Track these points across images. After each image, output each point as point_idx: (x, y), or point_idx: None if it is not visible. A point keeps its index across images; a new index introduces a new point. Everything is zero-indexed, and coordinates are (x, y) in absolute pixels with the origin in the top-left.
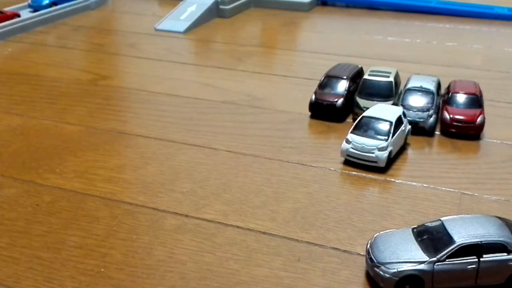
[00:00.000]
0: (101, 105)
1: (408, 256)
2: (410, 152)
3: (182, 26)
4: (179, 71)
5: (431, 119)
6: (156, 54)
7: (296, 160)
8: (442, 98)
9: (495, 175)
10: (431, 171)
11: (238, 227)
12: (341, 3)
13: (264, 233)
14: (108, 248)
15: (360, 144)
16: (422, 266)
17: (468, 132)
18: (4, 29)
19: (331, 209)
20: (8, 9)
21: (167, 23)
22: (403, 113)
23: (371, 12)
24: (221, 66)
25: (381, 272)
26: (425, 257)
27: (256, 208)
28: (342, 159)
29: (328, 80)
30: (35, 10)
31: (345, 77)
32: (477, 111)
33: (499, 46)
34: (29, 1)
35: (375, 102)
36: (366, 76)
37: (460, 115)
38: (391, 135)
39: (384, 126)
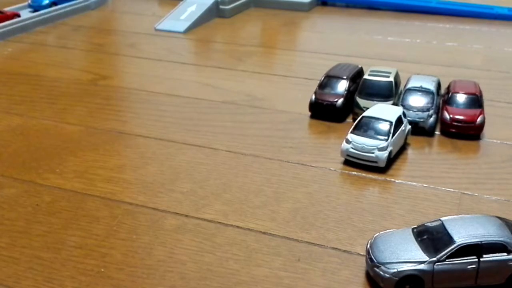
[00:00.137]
0: (101, 105)
1: (408, 256)
2: (410, 152)
3: (182, 26)
4: (179, 71)
5: (431, 119)
6: (156, 54)
7: (296, 160)
8: (442, 98)
9: (495, 175)
10: (431, 171)
11: (238, 227)
12: (341, 3)
13: (264, 233)
14: (108, 248)
15: (360, 144)
16: (422, 266)
17: (468, 132)
18: (4, 29)
19: (331, 209)
20: (8, 9)
21: (167, 23)
22: (403, 113)
23: (371, 12)
24: (221, 66)
25: (381, 272)
26: (425, 257)
27: (256, 208)
28: (342, 159)
29: (328, 80)
30: (35, 10)
31: (345, 77)
32: (477, 111)
33: (499, 46)
34: (29, 1)
35: (375, 102)
36: (366, 76)
37: (460, 115)
38: (391, 135)
39: (384, 126)
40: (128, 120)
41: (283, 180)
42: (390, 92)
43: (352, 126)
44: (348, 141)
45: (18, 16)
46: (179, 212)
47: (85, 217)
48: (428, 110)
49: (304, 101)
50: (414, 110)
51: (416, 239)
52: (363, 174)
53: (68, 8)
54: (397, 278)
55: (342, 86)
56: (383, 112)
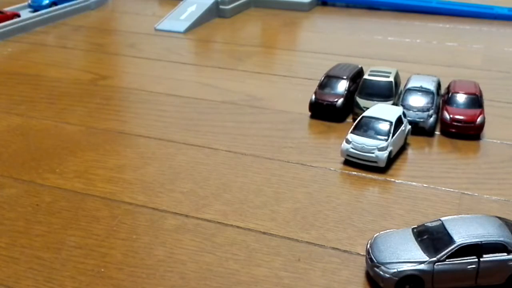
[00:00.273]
0: (101, 105)
1: (408, 256)
2: (410, 152)
3: (182, 26)
4: (179, 71)
5: (431, 119)
6: (156, 54)
7: (296, 160)
8: (442, 98)
9: (495, 175)
10: (431, 171)
11: (238, 227)
12: (341, 3)
13: (264, 233)
14: (108, 248)
15: (360, 144)
16: (422, 266)
17: (468, 132)
18: (4, 29)
19: (331, 209)
20: (8, 9)
21: (167, 23)
22: (403, 113)
23: (371, 12)
24: (221, 66)
25: (381, 272)
26: (425, 257)
27: (256, 208)
28: (342, 159)
29: (328, 80)
30: (35, 10)
31: (345, 77)
32: (477, 111)
33: (499, 46)
34: (29, 1)
35: (375, 102)
36: (366, 76)
37: (460, 115)
38: (391, 135)
39: (384, 126)
40: (128, 120)
41: (283, 180)
42: (390, 92)
43: (352, 126)
44: (348, 141)
45: (18, 16)
46: (179, 212)
47: (85, 217)
48: (428, 110)
49: (304, 101)
50: (414, 110)
51: (416, 239)
52: (363, 174)
53: (68, 8)
54: (397, 278)
55: (342, 86)
56: (383, 112)
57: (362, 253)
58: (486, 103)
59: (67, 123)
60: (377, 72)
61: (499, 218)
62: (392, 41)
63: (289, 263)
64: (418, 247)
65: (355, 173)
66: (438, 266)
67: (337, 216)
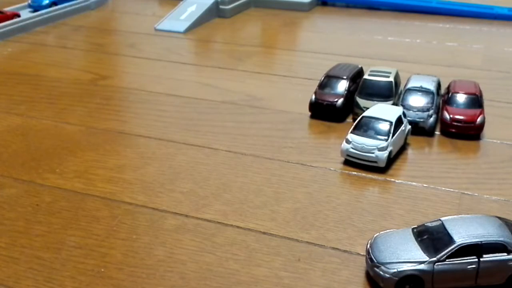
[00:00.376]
0: (101, 105)
1: (408, 256)
2: (410, 152)
3: (182, 26)
4: (179, 71)
5: (431, 119)
6: (156, 54)
7: (296, 160)
8: (442, 98)
9: (495, 175)
10: (431, 171)
11: (238, 227)
12: (341, 3)
13: (264, 233)
14: (108, 248)
15: (360, 144)
16: (422, 266)
17: (468, 132)
18: (4, 29)
19: (331, 209)
20: (8, 9)
21: (167, 23)
22: (403, 113)
23: (371, 12)
24: (221, 66)
25: (381, 272)
26: (425, 257)
27: (256, 208)
28: (342, 159)
29: (328, 80)
30: (35, 10)
31: (345, 77)
32: (477, 111)
33: (499, 46)
34: (29, 1)
35: (375, 102)
36: (366, 76)
37: (460, 115)
38: (391, 135)
39: (384, 126)
40: (128, 120)
41: (283, 180)
42: (390, 92)
43: (352, 126)
44: (348, 141)
45: (18, 16)
46: (179, 212)
47: (85, 217)
48: (428, 110)
49: (304, 101)
50: (414, 110)
51: (416, 239)
52: (363, 174)
53: (68, 8)
54: (397, 278)
55: (342, 86)
56: (383, 112)
57: (362, 253)
58: (486, 103)
59: (67, 123)
60: (377, 72)
61: (499, 218)
62: (392, 41)
63: (289, 263)
64: (418, 247)
65: (355, 173)
66: (438, 266)
67: (337, 216)
